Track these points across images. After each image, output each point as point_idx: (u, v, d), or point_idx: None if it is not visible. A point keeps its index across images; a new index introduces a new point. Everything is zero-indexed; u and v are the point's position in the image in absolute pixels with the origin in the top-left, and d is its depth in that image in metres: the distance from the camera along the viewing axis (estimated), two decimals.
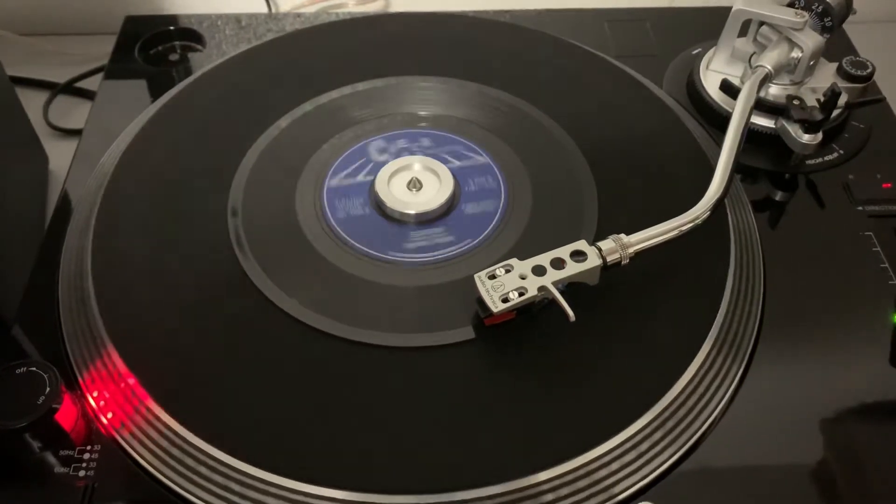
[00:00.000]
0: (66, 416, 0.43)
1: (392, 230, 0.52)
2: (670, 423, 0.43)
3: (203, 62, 0.67)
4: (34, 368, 0.43)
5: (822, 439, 0.44)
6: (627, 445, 0.42)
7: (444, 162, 0.55)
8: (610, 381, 0.44)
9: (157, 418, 0.43)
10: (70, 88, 0.75)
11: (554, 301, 0.44)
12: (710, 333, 0.46)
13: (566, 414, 0.43)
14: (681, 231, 0.47)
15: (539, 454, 0.41)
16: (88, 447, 0.43)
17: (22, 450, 0.42)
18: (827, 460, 0.43)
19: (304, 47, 0.65)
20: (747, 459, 0.44)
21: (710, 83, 0.61)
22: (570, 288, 0.46)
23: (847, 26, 0.64)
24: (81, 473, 0.42)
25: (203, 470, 0.41)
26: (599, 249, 0.46)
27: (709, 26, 0.66)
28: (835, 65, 0.60)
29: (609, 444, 0.42)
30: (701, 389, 0.44)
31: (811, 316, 0.50)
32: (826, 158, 0.58)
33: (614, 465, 0.41)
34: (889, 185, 0.56)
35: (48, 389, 0.42)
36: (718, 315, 0.47)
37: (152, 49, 0.69)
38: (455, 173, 0.55)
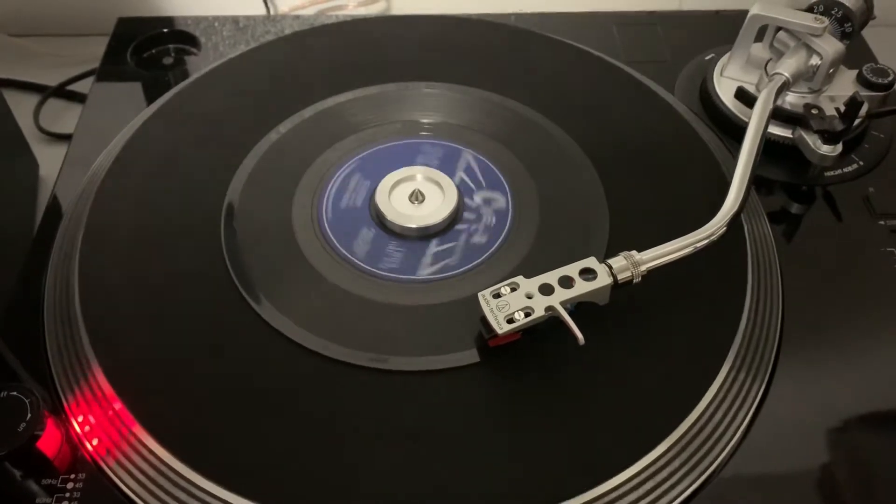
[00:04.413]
0: (49, 442, 0.41)
1: (392, 245, 0.50)
2: (690, 450, 0.41)
3: (199, 65, 0.65)
4: (15, 393, 0.41)
5: (848, 460, 0.42)
6: (644, 476, 0.40)
7: (448, 173, 0.53)
8: (623, 408, 0.42)
9: (145, 445, 0.41)
10: (61, 91, 0.73)
11: (562, 322, 0.42)
12: (728, 354, 0.44)
13: (576, 444, 0.41)
14: (695, 248, 0.45)
15: (547, 487, 0.39)
16: (72, 475, 0.41)
17: (2, 479, 0.40)
18: (854, 482, 0.42)
19: (303, 50, 0.63)
20: (770, 484, 0.42)
21: (725, 90, 0.59)
22: (580, 308, 0.44)
23: (865, 31, 0.61)
24: None
25: (190, 501, 0.39)
26: (610, 267, 0.44)
27: (722, 31, 0.64)
28: (854, 72, 0.58)
29: (624, 476, 0.40)
30: (721, 413, 0.43)
31: (831, 334, 0.48)
32: (845, 170, 0.56)
33: (630, 498, 0.39)
34: None
35: (29, 416, 0.40)
36: (737, 335, 0.45)
37: (146, 52, 0.67)
38: (459, 185, 0.52)
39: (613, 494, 0.39)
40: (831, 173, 0.56)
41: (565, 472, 0.40)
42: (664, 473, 0.40)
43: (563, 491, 0.39)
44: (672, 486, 0.40)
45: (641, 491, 0.40)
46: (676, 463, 0.41)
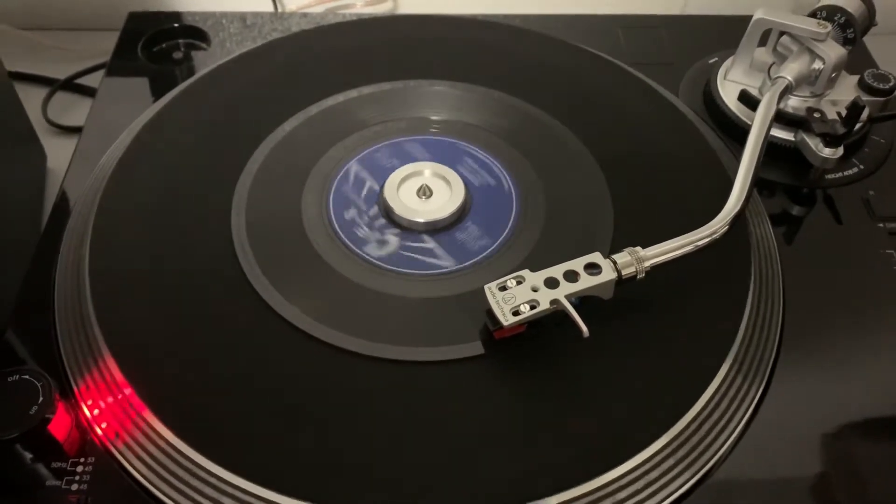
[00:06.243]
0: (60, 426, 0.41)
1: (400, 239, 0.50)
2: (684, 450, 0.41)
3: (207, 61, 0.65)
4: (27, 376, 0.41)
5: (845, 463, 0.43)
6: (637, 472, 0.40)
7: (455, 169, 0.54)
8: (622, 404, 0.43)
9: (153, 430, 0.41)
10: (70, 85, 0.74)
11: (566, 315, 0.42)
12: (729, 353, 0.44)
13: (574, 437, 0.41)
14: (697, 246, 0.46)
15: (543, 480, 0.39)
16: (82, 459, 0.41)
17: (12, 461, 0.41)
18: (850, 486, 0.42)
19: (310, 48, 0.63)
20: (765, 485, 0.42)
21: (728, 93, 0.60)
22: (584, 302, 0.44)
23: (866, 38, 0.62)
24: (74, 487, 0.40)
25: (198, 485, 0.40)
26: (614, 262, 0.44)
27: (725, 35, 0.65)
28: (856, 77, 0.58)
29: (618, 471, 0.40)
30: (718, 413, 0.43)
31: (831, 335, 0.48)
32: (846, 173, 0.57)
33: (622, 494, 0.40)
34: None
35: (41, 399, 0.40)
36: (738, 334, 0.45)
37: (155, 46, 0.68)
38: (466, 181, 0.53)
39: (608, 489, 0.40)
40: (832, 176, 0.57)
41: (561, 464, 0.40)
42: (659, 470, 0.41)
43: (558, 483, 0.39)
44: (667, 484, 0.41)
45: (636, 486, 0.40)
46: (672, 461, 0.41)
